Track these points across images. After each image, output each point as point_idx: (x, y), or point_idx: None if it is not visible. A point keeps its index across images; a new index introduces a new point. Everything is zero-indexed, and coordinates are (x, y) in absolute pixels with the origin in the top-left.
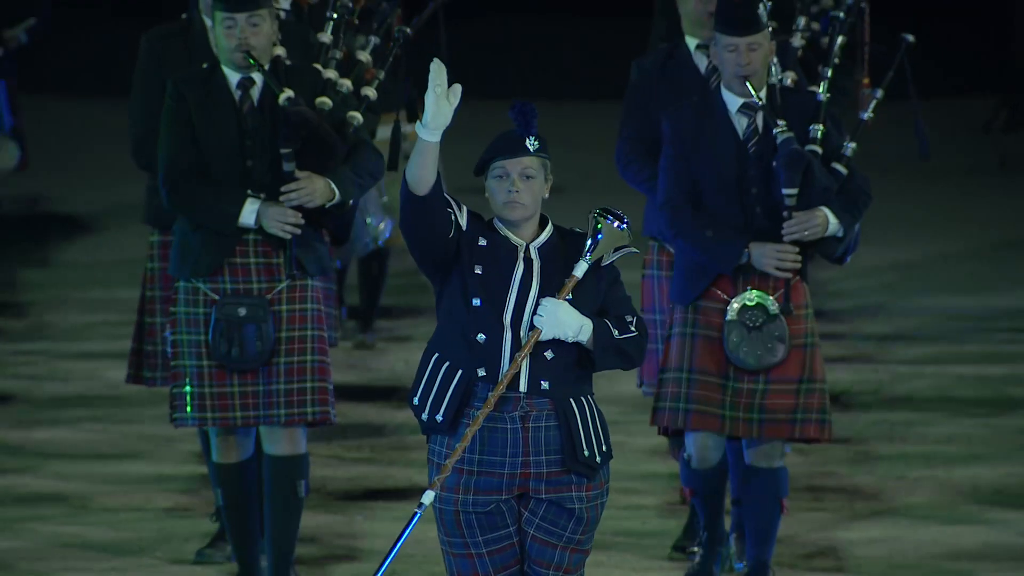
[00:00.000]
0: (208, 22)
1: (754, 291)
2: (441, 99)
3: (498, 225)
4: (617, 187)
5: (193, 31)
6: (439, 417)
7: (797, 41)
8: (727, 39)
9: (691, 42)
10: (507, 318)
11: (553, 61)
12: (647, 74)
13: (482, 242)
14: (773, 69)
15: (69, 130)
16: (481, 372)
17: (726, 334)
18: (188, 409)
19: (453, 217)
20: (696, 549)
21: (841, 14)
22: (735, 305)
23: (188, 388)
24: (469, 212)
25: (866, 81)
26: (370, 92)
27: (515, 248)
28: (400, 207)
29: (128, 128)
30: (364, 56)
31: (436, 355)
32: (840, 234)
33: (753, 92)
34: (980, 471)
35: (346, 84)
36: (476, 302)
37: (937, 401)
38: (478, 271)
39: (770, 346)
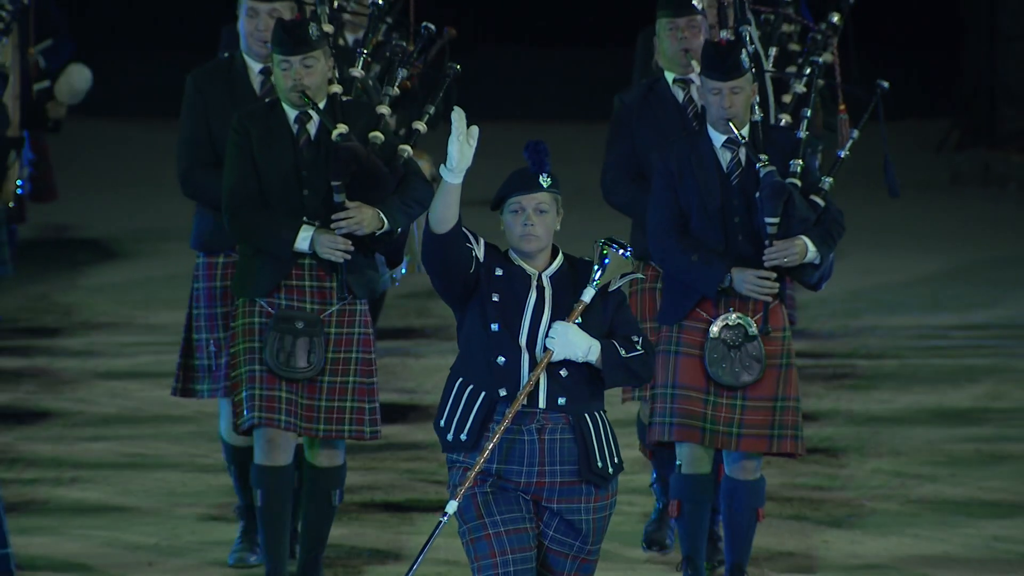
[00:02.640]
0: (249, 62)
1: (735, 312)
2: (464, 144)
3: (513, 256)
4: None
5: (235, 70)
6: (463, 436)
7: (769, 69)
8: (712, 83)
9: (669, 76)
10: (523, 341)
11: (549, 86)
12: (629, 107)
13: (498, 272)
14: (756, 108)
15: (94, 152)
16: (502, 392)
17: (707, 351)
18: (245, 412)
19: (472, 252)
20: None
21: (820, 59)
22: (716, 324)
23: (246, 392)
24: (486, 244)
25: (842, 107)
26: (420, 126)
27: (529, 277)
28: (423, 244)
29: (176, 161)
30: (393, 91)
31: (460, 380)
32: (817, 261)
33: (735, 131)
34: (945, 484)
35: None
36: (495, 327)
37: (905, 416)
38: (495, 299)
39: (747, 364)
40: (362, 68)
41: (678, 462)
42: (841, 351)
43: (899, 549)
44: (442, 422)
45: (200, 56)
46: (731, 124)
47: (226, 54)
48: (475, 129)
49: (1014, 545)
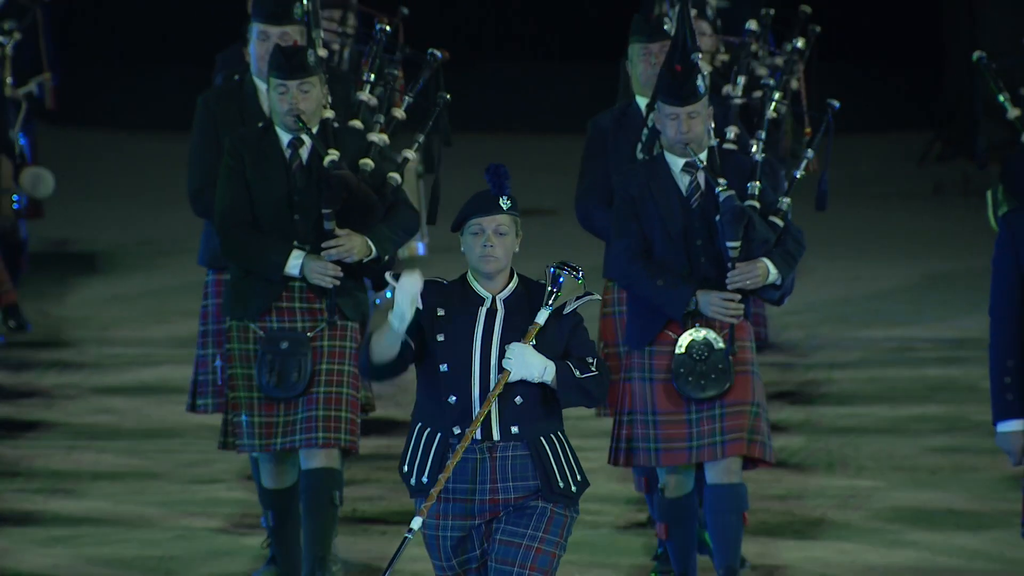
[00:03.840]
0: (259, 84)
1: (702, 328)
2: (412, 305)
3: (470, 278)
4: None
5: (245, 92)
6: (424, 479)
7: (737, 100)
8: (668, 108)
9: (641, 101)
10: (475, 374)
11: (540, 98)
12: (602, 131)
13: (440, 312)
14: (711, 132)
15: (91, 164)
16: (456, 430)
17: (675, 366)
18: (245, 437)
19: (411, 347)
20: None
21: (771, 81)
22: (683, 340)
23: (245, 417)
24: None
25: (807, 131)
26: (410, 153)
27: (482, 300)
28: (359, 368)
29: (187, 181)
30: (399, 114)
31: (419, 424)
32: (778, 282)
33: (693, 155)
34: (911, 495)
35: (383, 139)
36: (443, 367)
37: (873, 427)
38: (440, 339)
39: (714, 377)
40: (367, 93)
41: (661, 485)
42: (813, 362)
43: (864, 560)
44: (404, 467)
45: (202, 70)
46: (689, 148)
47: (236, 76)
48: (418, 277)
49: (979, 557)
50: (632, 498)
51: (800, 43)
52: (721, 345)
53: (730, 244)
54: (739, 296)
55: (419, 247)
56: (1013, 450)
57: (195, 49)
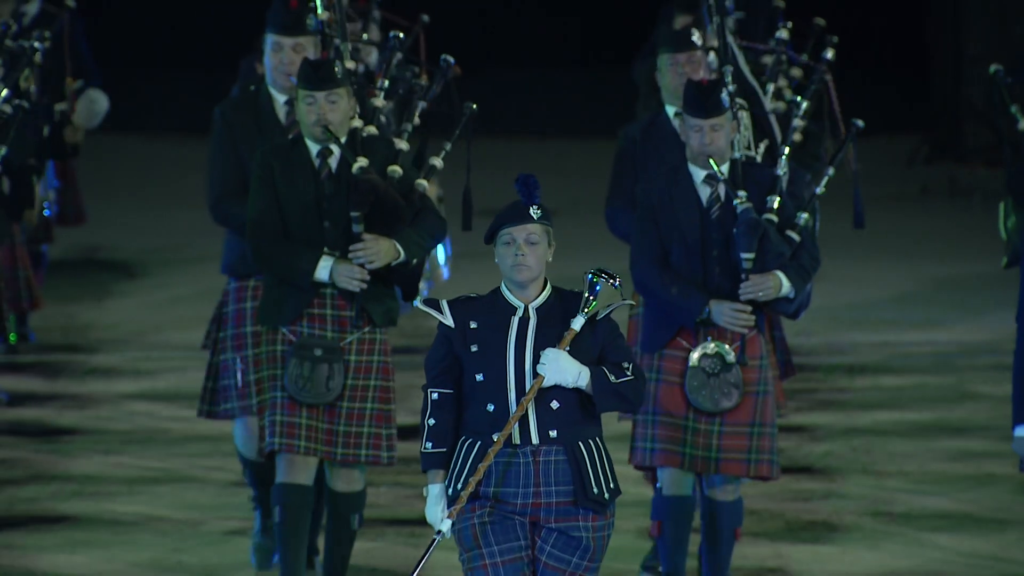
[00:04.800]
0: (275, 94)
1: (713, 341)
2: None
3: (503, 288)
4: (598, 208)
5: (260, 102)
6: (459, 486)
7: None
8: (693, 120)
9: (670, 110)
10: (511, 382)
11: (549, 103)
12: (632, 140)
13: (473, 325)
14: (735, 144)
15: (120, 170)
16: (495, 437)
17: (687, 379)
18: (268, 436)
19: (454, 368)
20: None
21: (799, 98)
22: (696, 353)
23: (267, 418)
24: (450, 305)
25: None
26: (437, 162)
27: (514, 309)
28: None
29: (207, 190)
30: (415, 120)
31: (462, 437)
32: (791, 295)
33: (715, 167)
34: (925, 500)
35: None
36: (479, 377)
37: (882, 431)
38: (474, 350)
39: (726, 391)
40: (381, 99)
41: (658, 484)
42: (820, 365)
43: (882, 565)
44: (449, 483)
45: (224, 75)
46: (712, 161)
47: (252, 87)
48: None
49: (997, 561)
50: (625, 502)
51: (830, 54)
52: (732, 358)
53: (744, 256)
54: (751, 307)
55: (444, 272)
56: None
57: (216, 53)
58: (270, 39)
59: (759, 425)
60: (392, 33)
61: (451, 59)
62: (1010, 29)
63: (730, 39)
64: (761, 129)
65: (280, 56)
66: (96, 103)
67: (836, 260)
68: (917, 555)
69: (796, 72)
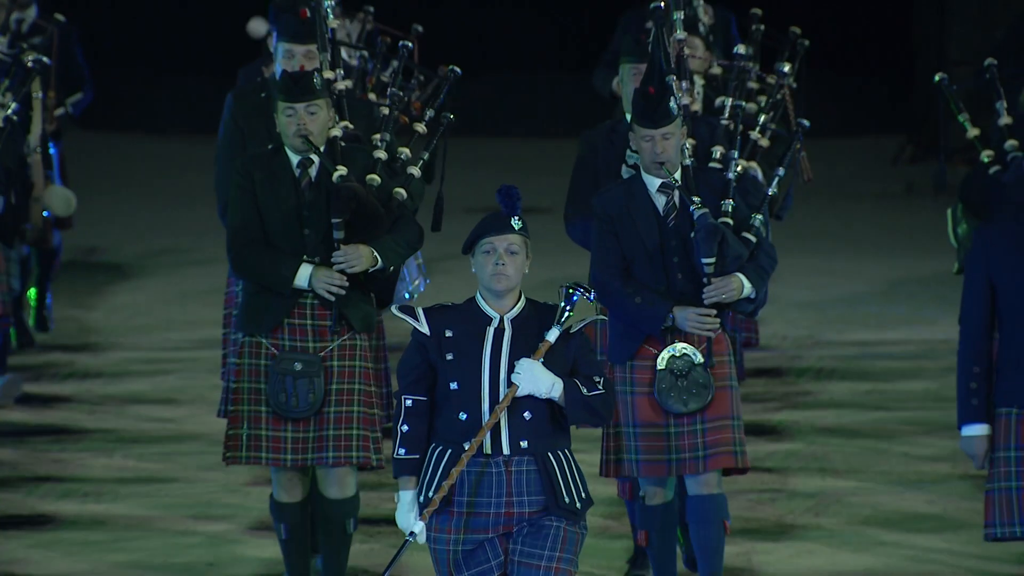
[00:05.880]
0: None
1: (680, 343)
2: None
3: (479, 298)
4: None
5: (271, 108)
6: (431, 494)
7: (724, 118)
8: (643, 130)
9: (630, 117)
10: (485, 391)
11: (541, 104)
12: (592, 146)
13: (448, 333)
14: (686, 151)
15: (116, 168)
16: (466, 445)
17: (656, 382)
18: (243, 450)
19: (432, 374)
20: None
21: (760, 113)
22: (664, 355)
23: (244, 431)
24: (426, 313)
25: (797, 146)
26: (415, 171)
27: (489, 319)
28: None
29: (216, 191)
30: (420, 128)
31: (432, 443)
32: (752, 296)
33: (669, 175)
34: (886, 498)
35: (404, 151)
36: (453, 385)
37: (854, 432)
38: (449, 358)
39: (694, 392)
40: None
41: (642, 494)
42: (790, 365)
43: (836, 563)
44: (420, 491)
45: (225, 78)
46: (665, 168)
47: (263, 94)
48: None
49: (948, 559)
50: (611, 500)
51: (786, 67)
52: (700, 359)
53: (705, 260)
54: (715, 311)
55: (420, 283)
56: (976, 453)
57: (218, 55)
58: (281, 47)
59: (737, 418)
60: (401, 43)
61: (458, 70)
62: (991, 33)
63: (670, 50)
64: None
65: (292, 64)
66: (64, 203)
67: (822, 255)
68: (880, 554)
69: (770, 79)
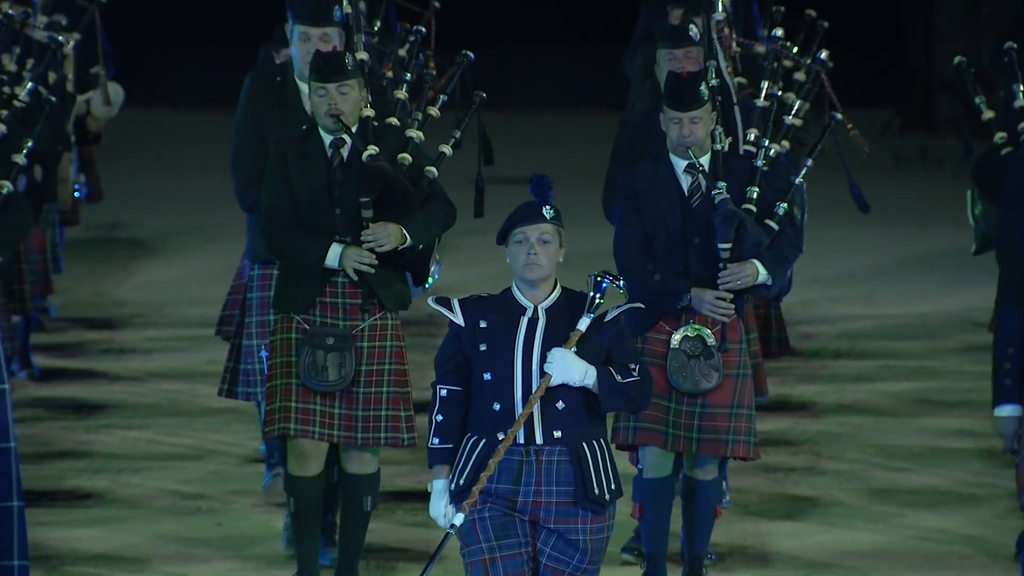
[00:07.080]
0: (301, 85)
1: (695, 324)
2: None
3: (514, 288)
4: (594, 175)
5: (287, 93)
6: (463, 482)
7: (761, 102)
8: (672, 113)
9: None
10: (518, 382)
11: (554, 79)
12: (631, 129)
13: (482, 324)
14: (717, 135)
15: (143, 144)
16: (500, 436)
17: (668, 360)
18: (278, 422)
19: (468, 363)
20: (632, 558)
21: (796, 100)
22: (677, 335)
23: (278, 404)
24: (461, 304)
25: (850, 126)
26: (446, 149)
27: (523, 309)
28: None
29: (232, 172)
30: (434, 111)
31: (467, 434)
32: (769, 283)
33: (694, 158)
34: (901, 476)
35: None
36: (487, 376)
37: (865, 407)
38: (483, 348)
39: (706, 373)
40: (403, 91)
41: (639, 466)
42: (801, 343)
43: (848, 540)
44: (452, 479)
45: (243, 50)
46: (691, 152)
47: (278, 77)
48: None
49: (960, 537)
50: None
51: (824, 55)
52: (713, 341)
53: (721, 246)
54: (730, 296)
55: (435, 269)
56: (1007, 433)
57: (232, 28)
58: (297, 30)
59: (737, 407)
60: (415, 27)
61: (471, 55)
62: (978, 7)
63: (715, 34)
64: (726, 123)
65: (307, 46)
66: (114, 95)
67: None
68: (894, 531)
69: (787, 63)
